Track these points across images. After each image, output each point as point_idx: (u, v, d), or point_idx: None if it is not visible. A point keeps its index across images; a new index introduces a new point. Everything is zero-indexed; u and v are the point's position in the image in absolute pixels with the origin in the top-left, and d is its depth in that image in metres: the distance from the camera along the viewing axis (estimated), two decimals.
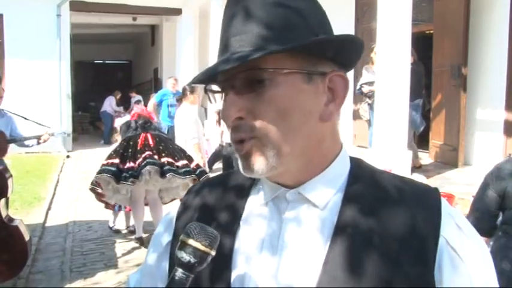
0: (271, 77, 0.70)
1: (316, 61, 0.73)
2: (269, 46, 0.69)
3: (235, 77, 0.72)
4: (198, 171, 4.89)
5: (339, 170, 0.78)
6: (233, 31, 0.72)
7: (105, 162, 4.81)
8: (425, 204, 0.73)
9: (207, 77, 0.75)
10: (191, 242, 0.69)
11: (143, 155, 4.76)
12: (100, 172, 4.73)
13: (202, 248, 0.69)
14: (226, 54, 0.72)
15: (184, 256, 0.69)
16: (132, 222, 5.73)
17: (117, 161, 4.76)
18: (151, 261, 0.89)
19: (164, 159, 4.79)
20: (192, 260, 0.69)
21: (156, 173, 4.73)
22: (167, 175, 4.71)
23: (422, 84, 6.68)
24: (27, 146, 5.00)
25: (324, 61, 0.74)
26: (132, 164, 4.73)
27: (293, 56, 0.71)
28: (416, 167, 6.37)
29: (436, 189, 0.77)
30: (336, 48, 0.74)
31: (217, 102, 0.80)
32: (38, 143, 5.01)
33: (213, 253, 0.70)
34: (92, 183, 4.83)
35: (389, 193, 0.75)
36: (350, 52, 0.77)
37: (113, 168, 4.70)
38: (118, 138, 5.57)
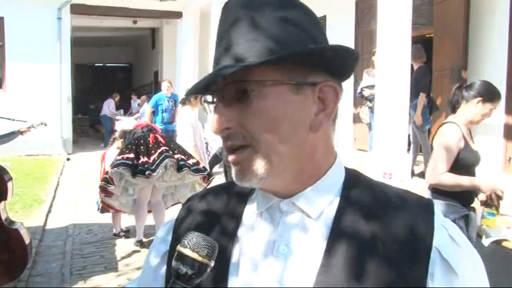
0: (258, 88, 0.71)
1: (307, 71, 0.73)
2: (253, 59, 0.70)
3: (225, 89, 0.73)
4: (206, 172, 5.06)
5: (333, 180, 0.78)
6: (222, 44, 0.74)
7: (120, 157, 4.85)
8: (419, 216, 0.73)
9: (200, 89, 0.76)
10: (188, 252, 0.67)
11: (158, 150, 4.86)
12: (116, 166, 4.76)
13: (200, 259, 0.67)
14: (217, 66, 0.74)
15: (181, 268, 0.66)
16: (123, 224, 5.78)
17: (132, 155, 4.83)
18: (148, 270, 0.88)
19: (177, 156, 4.92)
20: (189, 271, 0.66)
21: (173, 166, 4.86)
22: (184, 169, 4.85)
23: (429, 85, 6.61)
24: (8, 141, 4.87)
25: (315, 71, 0.74)
26: (146, 159, 4.81)
27: (281, 67, 0.71)
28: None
29: (430, 201, 0.78)
30: (322, 58, 0.73)
31: (211, 112, 0.80)
32: (17, 136, 4.93)
33: (212, 264, 0.68)
34: (105, 180, 4.84)
35: (383, 204, 0.75)
36: (340, 62, 0.76)
37: (129, 162, 4.77)
38: (118, 142, 5.58)
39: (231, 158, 0.74)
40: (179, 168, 4.86)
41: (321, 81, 0.74)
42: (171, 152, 4.90)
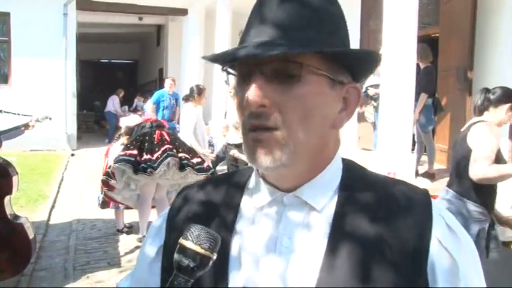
0: (305, 74, 0.70)
1: (338, 69, 0.75)
2: (305, 43, 0.70)
3: (267, 64, 0.70)
4: (210, 171, 5.08)
5: (334, 172, 0.78)
6: (274, 16, 0.71)
7: (123, 153, 4.88)
8: (416, 206, 0.75)
9: (223, 58, 0.72)
10: (190, 245, 0.66)
11: (162, 148, 4.87)
12: (118, 161, 4.78)
13: (202, 251, 0.66)
14: (260, 37, 0.71)
15: (183, 260, 0.66)
16: (126, 220, 5.81)
17: (135, 152, 4.85)
18: (143, 262, 0.87)
19: (181, 154, 4.93)
20: (192, 264, 0.66)
21: (176, 165, 4.86)
22: (186, 168, 4.85)
23: (434, 85, 6.59)
24: (14, 137, 4.86)
25: (343, 71, 0.75)
26: (149, 156, 4.82)
27: (325, 60, 0.72)
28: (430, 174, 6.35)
29: (425, 191, 0.78)
30: (359, 60, 0.77)
31: (230, 84, 0.80)
32: (24, 131, 4.95)
33: (214, 257, 0.68)
34: (107, 174, 4.87)
35: (381, 195, 0.76)
36: (368, 66, 0.79)
37: (132, 159, 4.79)
38: (123, 139, 5.60)
39: (253, 135, 0.71)
40: (182, 167, 4.86)
41: (347, 81, 0.76)
42: (174, 151, 4.90)
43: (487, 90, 3.18)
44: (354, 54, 0.76)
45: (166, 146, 4.89)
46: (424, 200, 0.76)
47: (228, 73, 0.76)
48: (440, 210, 0.76)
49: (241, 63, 0.73)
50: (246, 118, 0.72)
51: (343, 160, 0.82)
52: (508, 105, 3.08)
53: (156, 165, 4.74)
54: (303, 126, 0.71)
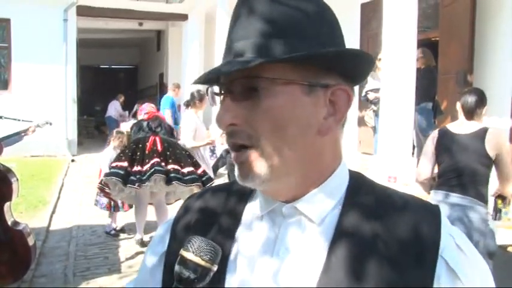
0: (269, 86, 0.68)
1: (320, 73, 0.70)
2: (270, 54, 0.67)
3: (234, 83, 0.70)
4: (204, 178, 4.98)
5: (337, 184, 0.75)
6: (236, 34, 0.71)
7: (114, 164, 4.93)
8: (424, 221, 0.71)
9: (208, 79, 0.74)
10: (191, 256, 0.67)
11: (151, 162, 4.87)
12: (109, 175, 4.88)
13: (202, 263, 0.66)
14: (229, 57, 0.71)
15: (184, 272, 0.66)
16: (124, 222, 5.90)
17: (125, 164, 4.89)
18: (145, 271, 0.87)
19: (170, 166, 4.89)
20: (192, 275, 0.66)
21: (162, 180, 4.86)
22: (173, 182, 4.83)
23: (434, 88, 6.60)
24: (14, 142, 4.84)
25: (328, 73, 0.71)
26: (139, 168, 4.86)
27: (294, 66, 0.68)
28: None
29: (436, 207, 0.75)
30: (339, 61, 0.72)
31: (217, 104, 0.79)
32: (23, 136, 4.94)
33: (215, 268, 0.68)
34: (101, 183, 5.06)
35: (388, 209, 0.73)
36: (356, 66, 0.74)
37: (121, 172, 4.84)
38: (114, 142, 5.70)
39: (234, 156, 0.73)
40: (168, 181, 4.85)
41: (333, 84, 0.71)
42: (163, 164, 4.87)
43: (472, 93, 3.30)
44: (321, 56, 0.69)
45: (155, 160, 4.87)
46: (433, 216, 0.73)
47: (214, 93, 0.76)
48: (450, 229, 0.73)
49: (217, 84, 0.74)
50: (226, 137, 0.74)
51: (352, 173, 0.79)
52: (486, 107, 3.27)
53: (144, 178, 4.79)
54: (277, 138, 0.69)
